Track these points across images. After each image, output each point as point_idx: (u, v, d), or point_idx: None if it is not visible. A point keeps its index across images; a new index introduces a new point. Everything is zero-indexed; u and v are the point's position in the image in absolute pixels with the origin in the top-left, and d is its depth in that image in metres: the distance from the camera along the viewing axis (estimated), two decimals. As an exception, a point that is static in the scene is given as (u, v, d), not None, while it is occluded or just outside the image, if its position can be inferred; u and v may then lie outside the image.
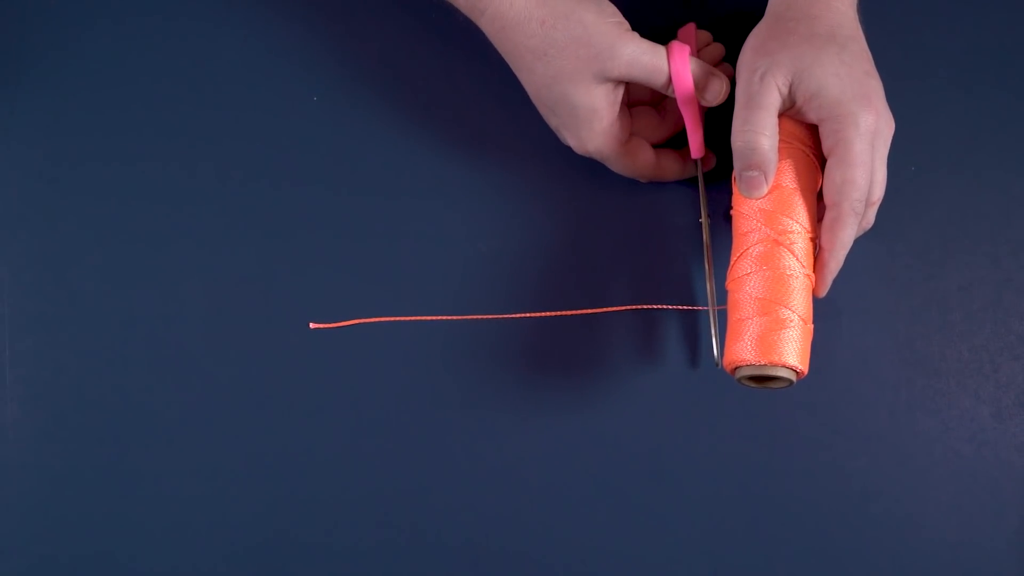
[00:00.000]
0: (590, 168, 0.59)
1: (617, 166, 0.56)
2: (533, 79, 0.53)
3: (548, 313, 0.59)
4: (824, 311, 0.59)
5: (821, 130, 0.52)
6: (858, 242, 0.60)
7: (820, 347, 0.59)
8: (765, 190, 0.52)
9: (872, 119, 0.50)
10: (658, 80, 0.53)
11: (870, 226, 0.55)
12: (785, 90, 0.51)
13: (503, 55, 0.54)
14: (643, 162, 0.56)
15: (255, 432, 0.59)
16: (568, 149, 0.57)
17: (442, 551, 0.59)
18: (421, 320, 0.59)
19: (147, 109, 0.61)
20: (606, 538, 0.59)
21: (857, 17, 0.54)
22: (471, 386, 0.59)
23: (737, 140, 0.51)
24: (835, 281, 0.55)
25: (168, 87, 0.61)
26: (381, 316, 0.60)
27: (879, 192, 0.53)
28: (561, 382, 0.59)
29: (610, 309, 0.59)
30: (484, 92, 0.61)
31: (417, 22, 0.62)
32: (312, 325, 0.59)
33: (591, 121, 0.53)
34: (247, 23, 0.62)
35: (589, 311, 0.59)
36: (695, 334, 0.59)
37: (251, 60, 0.61)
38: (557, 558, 0.59)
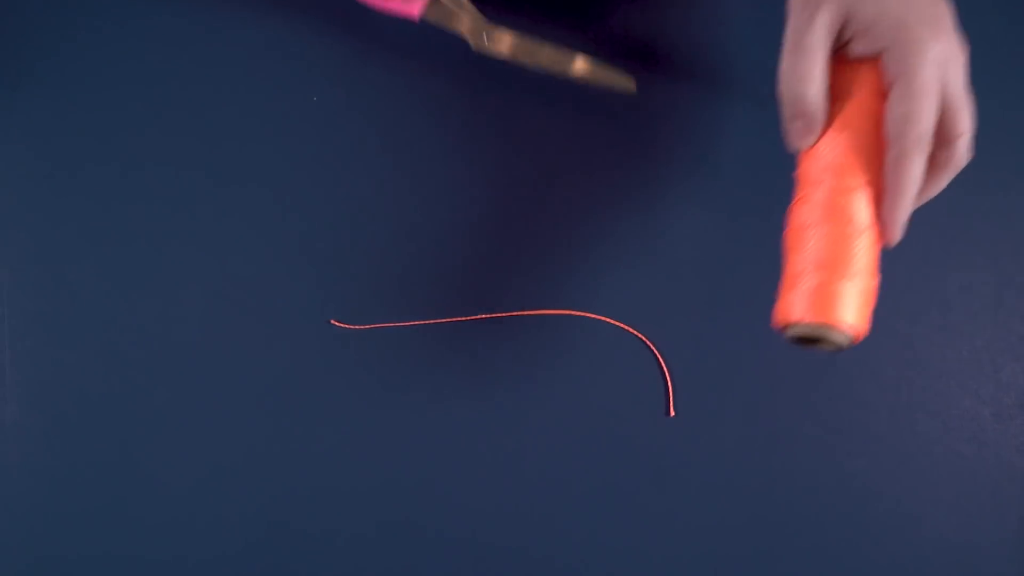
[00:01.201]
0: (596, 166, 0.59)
1: None
2: None
3: (537, 312, 0.59)
4: (824, 311, 0.59)
5: (884, 60, 0.47)
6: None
7: (820, 347, 0.59)
8: (812, 140, 0.49)
9: (941, 46, 0.46)
10: None
11: (963, 164, 0.49)
12: (838, 26, 0.47)
13: None
14: None
15: (255, 431, 0.59)
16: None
17: (444, 549, 0.59)
18: (432, 323, 0.60)
19: (147, 109, 0.61)
20: (606, 538, 0.59)
21: None
22: (471, 384, 0.60)
23: (783, 87, 0.48)
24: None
25: (168, 87, 0.61)
26: (379, 316, 0.60)
27: (967, 122, 0.48)
28: (561, 380, 0.59)
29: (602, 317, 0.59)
30: (484, 90, 0.61)
31: (417, 21, 0.62)
32: (333, 322, 0.59)
33: None
34: (247, 23, 0.62)
35: (552, 311, 0.59)
36: (695, 331, 0.59)
37: (251, 60, 0.61)
38: (557, 558, 0.59)
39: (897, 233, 0.48)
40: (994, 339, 0.59)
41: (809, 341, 0.48)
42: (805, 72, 0.47)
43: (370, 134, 0.61)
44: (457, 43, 0.61)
